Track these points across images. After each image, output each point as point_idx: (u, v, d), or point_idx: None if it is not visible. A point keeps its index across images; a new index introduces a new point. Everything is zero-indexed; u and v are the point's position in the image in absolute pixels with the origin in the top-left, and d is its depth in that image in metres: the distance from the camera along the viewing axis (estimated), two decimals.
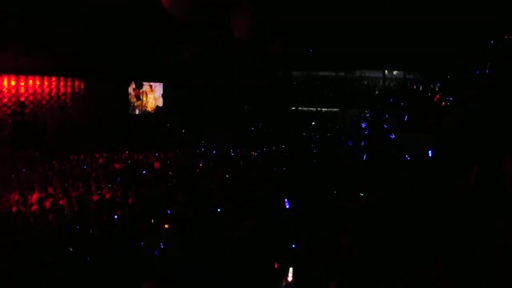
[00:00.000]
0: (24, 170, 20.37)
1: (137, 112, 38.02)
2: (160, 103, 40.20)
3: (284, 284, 6.75)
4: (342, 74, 44.56)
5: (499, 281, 5.40)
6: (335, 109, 44.02)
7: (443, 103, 19.23)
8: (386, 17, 25.64)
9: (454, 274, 5.45)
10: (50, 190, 16.34)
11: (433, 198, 8.63)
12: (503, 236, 6.10)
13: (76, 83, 31.49)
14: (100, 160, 22.93)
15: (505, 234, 6.09)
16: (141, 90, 38.16)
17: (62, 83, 30.43)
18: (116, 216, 12.96)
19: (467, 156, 11.07)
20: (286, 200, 13.34)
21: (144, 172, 20.38)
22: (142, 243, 10.33)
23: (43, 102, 29.27)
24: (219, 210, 13.71)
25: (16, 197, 15.42)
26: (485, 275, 5.51)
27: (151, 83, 39.01)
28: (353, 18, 26.56)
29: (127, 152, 25.72)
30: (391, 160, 14.83)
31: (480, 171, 8.25)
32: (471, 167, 8.65)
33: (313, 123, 42.94)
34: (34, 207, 14.07)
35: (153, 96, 39.55)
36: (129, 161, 23.17)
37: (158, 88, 40.00)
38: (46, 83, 29.28)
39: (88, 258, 9.57)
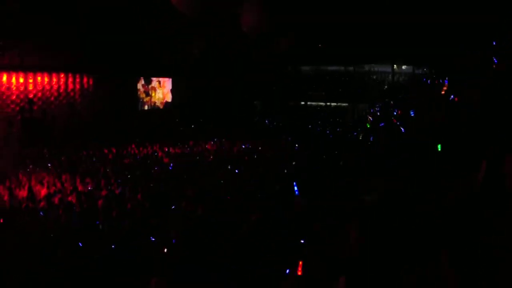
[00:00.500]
0: (32, 166, 20.40)
1: (146, 107, 38.13)
2: (169, 98, 40.35)
3: (293, 278, 6.83)
4: (351, 68, 44.48)
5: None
6: (344, 104, 43.91)
7: (454, 98, 19.21)
8: (394, 17, 25.75)
9: (459, 273, 5.46)
10: (59, 186, 16.39)
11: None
12: (503, 236, 6.10)
13: (85, 79, 31.52)
14: (110, 156, 22.99)
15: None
16: (150, 86, 38.28)
17: (70, 80, 30.45)
18: (124, 211, 13.02)
19: (469, 155, 11.10)
20: (295, 184, 13.47)
21: (154, 167, 20.41)
22: (152, 239, 10.41)
23: (52, 98, 29.34)
24: (227, 199, 13.83)
25: (25, 193, 15.46)
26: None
27: (160, 79, 39.16)
28: (361, 18, 26.67)
29: (135, 147, 25.71)
30: (396, 158, 14.82)
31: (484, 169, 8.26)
32: (474, 165, 8.65)
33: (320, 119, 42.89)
34: (42, 203, 14.10)
35: (162, 91, 39.69)
36: (138, 157, 23.18)
37: (167, 83, 40.13)
38: (54, 79, 29.30)
39: (94, 256, 9.61)
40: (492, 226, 6.40)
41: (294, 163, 20.29)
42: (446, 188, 8.73)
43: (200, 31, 29.44)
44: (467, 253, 5.83)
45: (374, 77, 44.89)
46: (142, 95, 37.61)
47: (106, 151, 24.29)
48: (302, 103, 46.48)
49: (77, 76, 30.86)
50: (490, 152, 8.56)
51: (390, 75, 43.53)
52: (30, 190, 15.58)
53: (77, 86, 31.08)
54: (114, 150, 24.72)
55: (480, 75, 18.48)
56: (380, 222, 7.98)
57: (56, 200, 14.26)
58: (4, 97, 26.17)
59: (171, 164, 21.19)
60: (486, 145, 10.08)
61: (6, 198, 14.85)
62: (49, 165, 20.51)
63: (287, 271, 7.62)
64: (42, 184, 16.82)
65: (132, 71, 33.61)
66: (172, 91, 40.55)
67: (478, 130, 12.97)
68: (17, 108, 26.88)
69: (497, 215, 6.56)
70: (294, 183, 13.99)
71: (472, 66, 20.46)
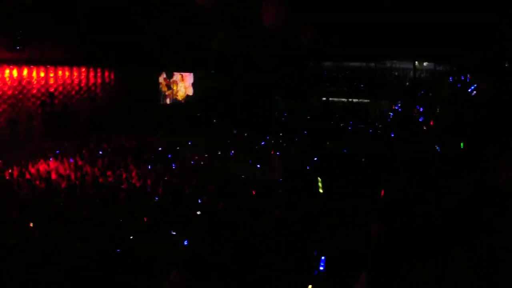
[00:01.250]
0: (53, 159, 20.30)
1: (168, 101, 38.14)
2: (190, 92, 40.36)
3: (316, 273, 6.85)
4: (373, 64, 44.37)
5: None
6: (366, 100, 43.75)
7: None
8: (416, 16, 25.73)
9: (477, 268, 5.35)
10: (79, 178, 16.27)
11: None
12: (503, 236, 5.98)
13: (106, 73, 31.54)
14: (131, 150, 22.82)
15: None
16: (171, 80, 38.30)
17: (92, 74, 30.44)
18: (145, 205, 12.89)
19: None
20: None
21: (175, 161, 20.23)
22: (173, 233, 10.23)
23: (73, 92, 29.29)
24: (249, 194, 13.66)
25: (43, 185, 15.34)
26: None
27: (182, 73, 39.18)
28: (382, 17, 26.68)
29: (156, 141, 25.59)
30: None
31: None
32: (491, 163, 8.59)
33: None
34: (62, 195, 13.96)
35: (183, 85, 39.67)
36: (159, 150, 22.99)
37: (189, 77, 40.14)
38: (75, 73, 29.24)
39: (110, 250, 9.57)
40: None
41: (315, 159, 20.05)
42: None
43: (221, 26, 29.34)
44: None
45: (396, 73, 44.80)
46: (164, 89, 37.64)
47: (127, 145, 24.18)
48: (324, 98, 46.37)
49: (98, 70, 30.83)
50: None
51: (411, 72, 43.40)
52: (49, 182, 15.49)
53: (99, 80, 31.08)
54: (134, 143, 24.91)
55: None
56: (399, 219, 7.94)
57: (76, 192, 14.16)
58: (25, 91, 26.04)
59: (193, 157, 21.04)
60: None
61: (26, 190, 14.72)
62: (70, 159, 20.37)
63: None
64: (62, 177, 16.73)
65: (153, 65, 33.44)
66: (194, 85, 40.59)
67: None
68: (38, 102, 26.81)
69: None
70: (318, 178, 14.07)
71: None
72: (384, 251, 6.72)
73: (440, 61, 39.51)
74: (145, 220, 11.42)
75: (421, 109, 28.05)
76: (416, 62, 42.56)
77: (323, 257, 7.09)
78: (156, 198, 13.76)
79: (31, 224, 10.93)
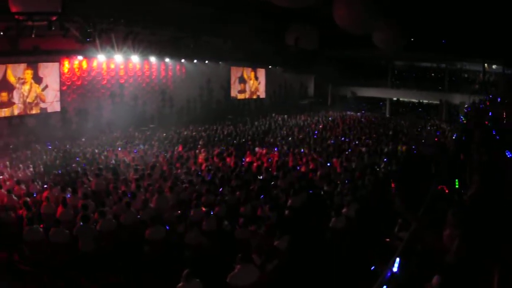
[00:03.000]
0: (120, 149, 20.27)
1: (239, 96, 38.00)
2: (262, 88, 40.28)
3: (388, 274, 6.44)
4: (443, 65, 43.63)
5: None
6: (436, 102, 43.06)
7: None
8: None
9: None
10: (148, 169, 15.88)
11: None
12: None
13: (178, 66, 31.38)
14: (201, 142, 22.50)
15: None
16: (242, 75, 38.15)
17: (163, 67, 30.31)
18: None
19: None
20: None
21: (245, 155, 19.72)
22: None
23: (144, 85, 29.35)
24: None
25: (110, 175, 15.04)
26: None
27: (254, 68, 39.06)
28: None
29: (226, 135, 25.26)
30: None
31: None
32: None
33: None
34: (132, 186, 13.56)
35: (256, 81, 39.56)
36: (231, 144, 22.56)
37: (261, 73, 39.90)
38: (146, 66, 29.16)
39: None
40: None
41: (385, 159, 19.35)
42: None
43: (294, 23, 28.92)
44: None
45: (466, 75, 43.98)
46: (235, 84, 37.54)
47: (197, 137, 24.00)
48: (394, 99, 45.87)
49: (170, 63, 30.66)
50: None
51: (481, 74, 42.53)
52: (114, 172, 15.18)
53: (170, 74, 31.02)
54: (204, 135, 24.76)
55: None
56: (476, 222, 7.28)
57: (144, 184, 13.74)
58: (95, 81, 26.03)
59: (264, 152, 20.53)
60: None
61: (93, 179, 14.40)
62: (136, 150, 20.18)
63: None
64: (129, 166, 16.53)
65: (223, 58, 33.07)
66: (266, 81, 40.55)
67: None
68: (108, 93, 26.88)
69: None
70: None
71: None
72: (463, 255, 5.99)
73: (509, 64, 38.41)
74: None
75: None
76: (486, 64, 41.71)
77: (398, 259, 6.59)
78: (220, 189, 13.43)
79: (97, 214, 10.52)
